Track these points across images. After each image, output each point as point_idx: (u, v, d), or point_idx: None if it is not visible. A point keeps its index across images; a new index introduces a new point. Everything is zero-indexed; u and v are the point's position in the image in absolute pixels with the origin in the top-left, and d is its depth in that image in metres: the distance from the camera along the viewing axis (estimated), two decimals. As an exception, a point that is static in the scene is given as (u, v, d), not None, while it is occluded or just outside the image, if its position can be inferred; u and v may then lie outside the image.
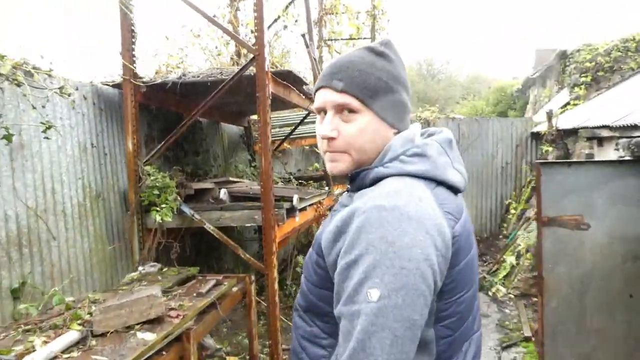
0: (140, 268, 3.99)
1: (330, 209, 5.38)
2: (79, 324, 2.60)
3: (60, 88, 3.02)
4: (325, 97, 1.13)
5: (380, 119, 1.12)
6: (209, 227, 4.07)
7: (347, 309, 0.95)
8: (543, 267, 3.85)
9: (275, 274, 4.03)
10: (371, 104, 1.10)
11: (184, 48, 7.44)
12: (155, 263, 4.05)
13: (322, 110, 1.16)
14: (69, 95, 3.31)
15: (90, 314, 2.71)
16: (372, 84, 1.10)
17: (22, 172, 3.17)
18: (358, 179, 1.14)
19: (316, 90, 1.18)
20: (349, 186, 1.22)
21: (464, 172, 1.20)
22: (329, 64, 1.17)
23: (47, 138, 3.09)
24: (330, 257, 1.05)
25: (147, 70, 5.11)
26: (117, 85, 4.11)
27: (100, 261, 4.00)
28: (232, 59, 6.82)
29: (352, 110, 1.10)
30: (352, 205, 1.05)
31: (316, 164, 9.07)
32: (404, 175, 1.07)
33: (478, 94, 24.02)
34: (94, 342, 2.48)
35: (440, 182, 1.11)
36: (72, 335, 2.47)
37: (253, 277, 4.01)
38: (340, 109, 1.11)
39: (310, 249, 1.18)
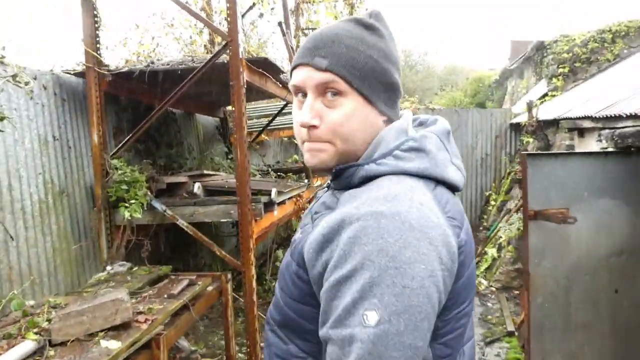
0: (108, 268, 3.76)
1: (309, 202, 5.20)
2: (36, 333, 2.38)
3: (14, 76, 2.76)
4: (305, 76, 0.95)
5: (369, 104, 0.96)
6: (182, 223, 3.86)
7: (337, 332, 0.80)
8: (529, 262, 3.74)
9: (253, 272, 3.85)
10: (360, 86, 0.93)
11: (156, 37, 7.18)
12: (124, 262, 3.82)
13: (300, 92, 0.98)
14: (26, 84, 3.05)
15: (49, 320, 2.48)
16: (362, 62, 0.93)
17: (-28, 167, 2.91)
18: (344, 176, 0.97)
19: (293, 69, 0.99)
20: (329, 181, 1.05)
21: (463, 168, 1.05)
22: (310, 37, 0.99)
23: (0, 130, 2.83)
24: (314, 270, 0.89)
25: (118, 60, 4.85)
26: (81, 74, 3.84)
27: (65, 261, 3.76)
28: (205, 47, 6.58)
29: (337, 93, 0.93)
30: (340, 209, 0.89)
31: (295, 156, 8.88)
32: (400, 174, 0.91)
33: (456, 85, 24.09)
34: (52, 353, 2.26)
35: (439, 181, 0.95)
36: (27, 345, 2.25)
37: (229, 276, 3.82)
38: (323, 90, 0.94)
39: (288, 257, 1.01)
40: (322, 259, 0.86)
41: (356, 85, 0.93)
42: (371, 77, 0.94)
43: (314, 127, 0.95)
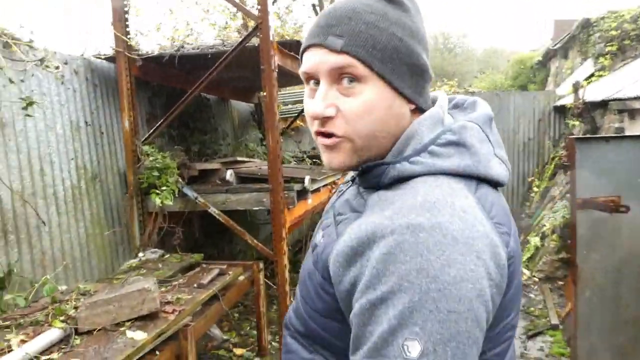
0: (140, 255, 3.74)
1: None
2: (63, 321, 2.35)
3: (41, 60, 2.71)
4: (317, 60, 0.80)
5: (394, 90, 0.80)
6: (213, 211, 3.79)
7: None
8: (577, 254, 3.51)
9: (286, 261, 3.76)
10: (382, 70, 0.78)
11: (191, 22, 7.14)
12: (156, 249, 3.80)
13: (313, 79, 0.83)
14: (57, 68, 3.01)
15: (77, 308, 2.45)
16: (384, 42, 0.78)
17: (4, 153, 2.90)
18: (372, 174, 0.82)
19: (304, 51, 0.85)
20: (354, 175, 0.91)
21: (507, 159, 0.89)
22: (322, 14, 0.84)
23: (29, 115, 2.81)
24: (340, 286, 0.76)
25: (153, 46, 4.80)
26: (112, 59, 3.80)
27: (99, 247, 3.76)
28: (238, 31, 6.49)
29: (355, 79, 0.78)
30: (369, 217, 0.75)
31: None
32: (438, 175, 0.77)
33: (496, 67, 23.35)
34: (77, 342, 2.23)
35: (482, 179, 0.81)
36: (54, 333, 2.23)
37: (262, 265, 3.74)
38: (339, 76, 0.79)
39: (310, 264, 0.88)
40: (350, 274, 0.74)
41: (377, 69, 0.78)
42: (395, 58, 0.79)
43: (329, 118, 0.80)
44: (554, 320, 4.87)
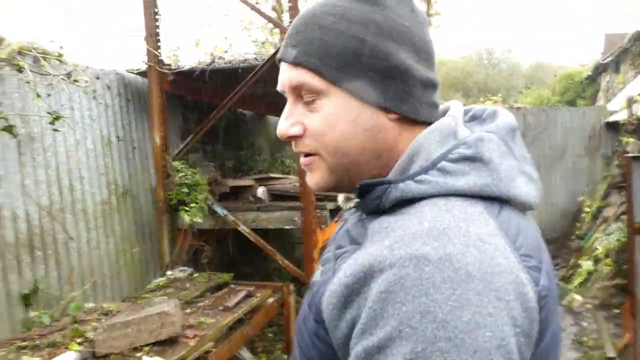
0: (168, 273, 3.65)
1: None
2: (80, 343, 2.25)
3: (68, 74, 2.67)
4: (281, 76, 0.75)
5: (359, 100, 0.70)
6: (243, 229, 3.67)
7: None
8: (635, 283, 3.19)
9: (317, 282, 3.58)
10: (338, 79, 0.69)
11: (229, 37, 7.16)
12: (185, 268, 3.70)
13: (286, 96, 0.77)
14: (86, 82, 2.98)
15: (97, 329, 2.35)
16: (339, 46, 0.69)
17: (32, 168, 2.87)
18: (371, 196, 0.69)
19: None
20: (357, 199, 0.76)
21: (536, 177, 0.73)
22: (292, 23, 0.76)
23: (56, 130, 2.76)
24: (337, 332, 0.63)
25: (192, 61, 4.78)
26: (142, 73, 3.77)
27: (129, 264, 3.70)
28: (275, 47, 6.45)
29: (313, 92, 0.71)
30: (367, 249, 0.62)
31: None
32: (450, 196, 0.63)
33: (542, 82, 22.68)
34: (94, 367, 2.12)
35: (505, 201, 0.66)
36: (69, 357, 2.12)
37: (292, 287, 3.57)
38: (299, 91, 0.72)
39: (306, 310, 0.74)
40: (346, 317, 0.60)
41: (332, 78, 0.69)
42: (354, 63, 0.69)
43: (297, 137, 0.74)
44: (610, 353, 4.48)
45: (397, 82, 0.70)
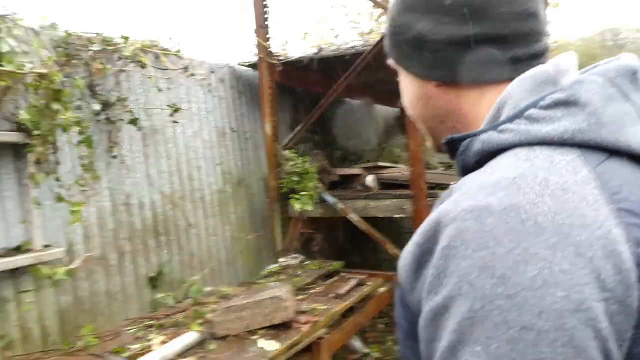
0: (281, 260, 3.73)
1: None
2: (200, 324, 2.35)
3: (185, 68, 2.80)
4: None
5: (411, 74, 0.77)
6: (352, 218, 3.64)
7: None
8: None
9: (429, 273, 3.45)
10: (395, 57, 0.79)
11: (336, 29, 7.17)
12: (297, 255, 3.76)
13: None
14: (202, 76, 3.12)
15: (215, 311, 2.45)
16: (390, 29, 0.78)
17: (155, 159, 3.06)
18: (458, 153, 0.66)
19: None
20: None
21: None
22: None
23: (175, 122, 2.92)
24: (413, 295, 0.58)
25: (300, 54, 4.87)
26: (253, 66, 3.87)
27: (244, 250, 3.83)
28: (382, 34, 6.34)
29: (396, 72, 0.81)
30: (439, 207, 0.58)
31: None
32: (535, 145, 0.56)
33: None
34: (213, 346, 2.20)
35: (614, 151, 0.55)
36: (191, 336, 2.23)
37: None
38: None
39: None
40: (421, 279, 0.56)
41: (393, 58, 0.79)
42: (398, 41, 0.76)
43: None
44: None
45: (423, 50, 0.72)
